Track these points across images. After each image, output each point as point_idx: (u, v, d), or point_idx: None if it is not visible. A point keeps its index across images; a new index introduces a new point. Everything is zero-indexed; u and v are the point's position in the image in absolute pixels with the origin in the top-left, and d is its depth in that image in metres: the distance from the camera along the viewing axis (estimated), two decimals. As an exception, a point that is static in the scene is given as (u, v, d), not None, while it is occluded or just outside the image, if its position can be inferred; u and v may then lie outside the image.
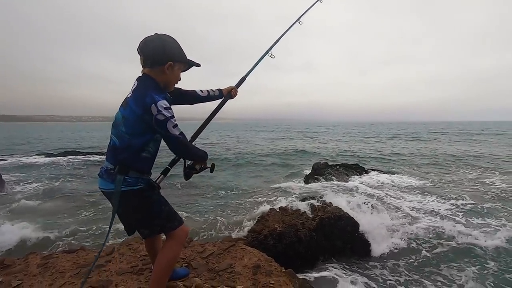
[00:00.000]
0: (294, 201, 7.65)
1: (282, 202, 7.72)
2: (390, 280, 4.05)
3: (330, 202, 6.80)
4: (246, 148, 22.95)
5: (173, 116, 1.30)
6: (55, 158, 17.25)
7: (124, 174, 1.33)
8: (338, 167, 11.27)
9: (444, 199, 7.82)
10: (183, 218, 1.59)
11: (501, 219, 6.16)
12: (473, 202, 7.40)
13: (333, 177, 10.12)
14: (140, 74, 1.40)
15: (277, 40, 2.30)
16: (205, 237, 5.58)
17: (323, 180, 9.85)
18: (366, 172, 11.48)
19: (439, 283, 3.92)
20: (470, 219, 6.23)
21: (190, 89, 1.70)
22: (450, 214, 6.57)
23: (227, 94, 1.89)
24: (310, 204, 6.63)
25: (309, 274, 4.20)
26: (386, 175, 11.24)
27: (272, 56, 2.23)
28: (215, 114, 1.93)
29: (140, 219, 1.47)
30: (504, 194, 8.17)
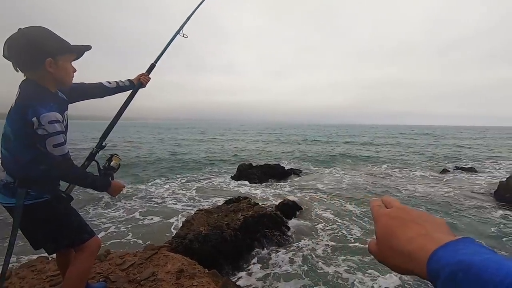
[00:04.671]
0: (220, 202, 7.81)
1: (208, 205, 7.78)
2: (298, 269, 4.52)
3: (254, 201, 7.20)
4: (170, 150, 22.04)
5: (60, 132, 1.16)
6: None
7: (26, 187, 1.22)
8: (261, 167, 11.91)
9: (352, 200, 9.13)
10: (98, 230, 1.53)
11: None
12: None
13: (257, 177, 10.66)
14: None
15: (188, 18, 2.15)
16: (126, 248, 5.21)
17: (248, 180, 10.29)
18: (287, 173, 12.46)
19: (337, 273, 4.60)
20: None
21: (95, 82, 1.61)
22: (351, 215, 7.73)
23: (138, 83, 1.80)
24: (235, 205, 6.88)
25: (235, 272, 4.39)
26: (305, 176, 12.43)
27: (185, 36, 2.08)
28: (126, 107, 1.81)
29: (46, 233, 1.36)
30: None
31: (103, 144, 1.64)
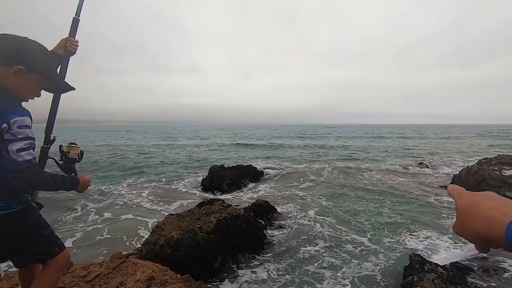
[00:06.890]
0: (192, 205, 7.66)
1: (179, 208, 7.61)
2: (273, 270, 4.59)
3: (227, 203, 7.15)
4: (136, 155, 21.22)
5: (27, 138, 1.04)
6: None
7: None
8: (233, 168, 11.87)
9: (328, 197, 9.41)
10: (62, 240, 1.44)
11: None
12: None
13: (229, 179, 10.61)
14: None
15: None
16: (90, 257, 4.92)
17: (220, 182, 10.21)
18: (260, 173, 12.56)
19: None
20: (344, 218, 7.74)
21: None
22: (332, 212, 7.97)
23: (65, 51, 1.43)
24: (208, 207, 6.79)
25: (210, 276, 4.33)
26: (278, 175, 12.59)
27: None
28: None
29: (13, 247, 1.25)
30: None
31: (51, 138, 1.42)
